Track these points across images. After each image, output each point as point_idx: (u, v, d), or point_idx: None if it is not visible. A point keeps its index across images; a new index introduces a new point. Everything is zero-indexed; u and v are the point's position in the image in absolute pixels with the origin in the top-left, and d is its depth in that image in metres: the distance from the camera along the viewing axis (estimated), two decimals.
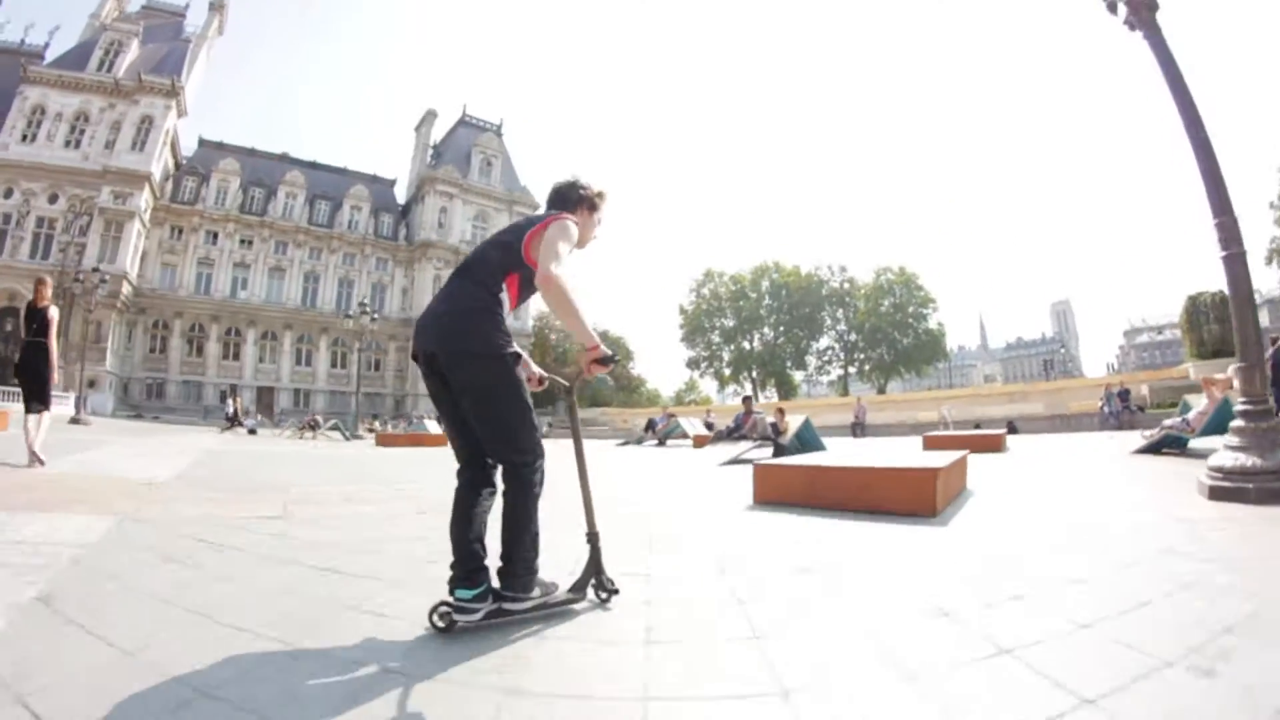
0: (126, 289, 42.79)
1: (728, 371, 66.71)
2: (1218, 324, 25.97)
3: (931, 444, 11.77)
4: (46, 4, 62.74)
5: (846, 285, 66.51)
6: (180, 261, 48.36)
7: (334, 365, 52.27)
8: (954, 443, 10.54)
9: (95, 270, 34.67)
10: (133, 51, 48.11)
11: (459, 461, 2.32)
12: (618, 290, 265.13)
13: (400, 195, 61.09)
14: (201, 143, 54.37)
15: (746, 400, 21.19)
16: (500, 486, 2.27)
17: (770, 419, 14.57)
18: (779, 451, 10.91)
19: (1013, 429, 20.14)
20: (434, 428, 18.72)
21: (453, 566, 2.18)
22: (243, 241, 50.68)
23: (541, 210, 2.67)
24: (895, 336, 63.55)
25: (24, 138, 43.38)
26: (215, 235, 49.85)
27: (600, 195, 2.62)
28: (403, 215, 58.93)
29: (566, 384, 2.73)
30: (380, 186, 59.48)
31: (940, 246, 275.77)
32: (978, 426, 20.93)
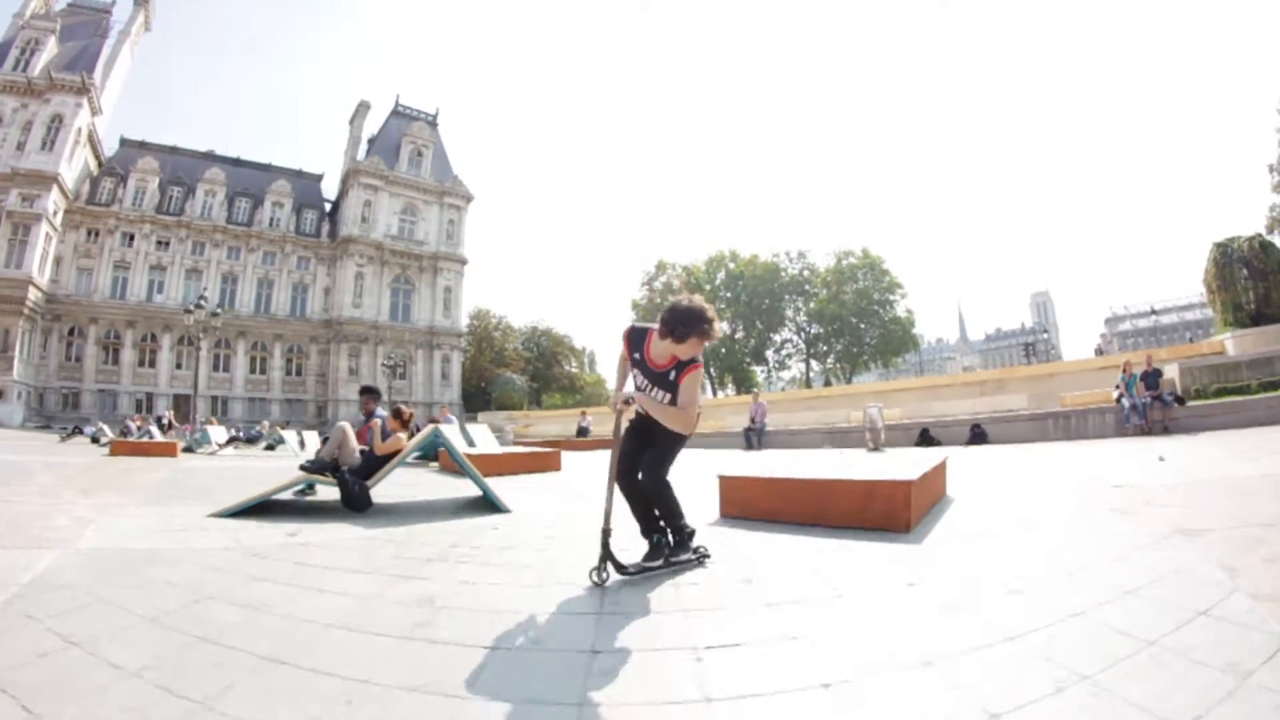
0: (35, 295, 44.80)
1: None
2: (1260, 280, 21.52)
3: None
4: None
5: (806, 273, 66.38)
6: (96, 265, 50.39)
7: (252, 371, 54.65)
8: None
9: None
10: (49, 50, 50.27)
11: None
12: (571, 287, 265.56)
13: (332, 192, 63.14)
14: (123, 142, 56.63)
15: (583, 411, 27.67)
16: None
17: (581, 422, 23.59)
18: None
19: (979, 435, 15.59)
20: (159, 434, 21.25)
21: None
22: (159, 243, 53.05)
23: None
24: (858, 326, 63.01)
25: None
26: (131, 237, 52.19)
27: (712, 325, 3.38)
28: (333, 212, 60.67)
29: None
30: (305, 182, 61.76)
31: (917, 239, 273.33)
32: (926, 437, 16.49)
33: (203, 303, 33.53)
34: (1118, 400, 14.48)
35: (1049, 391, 20.17)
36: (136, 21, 57.66)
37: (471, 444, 12.80)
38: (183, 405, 48.99)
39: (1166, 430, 13.35)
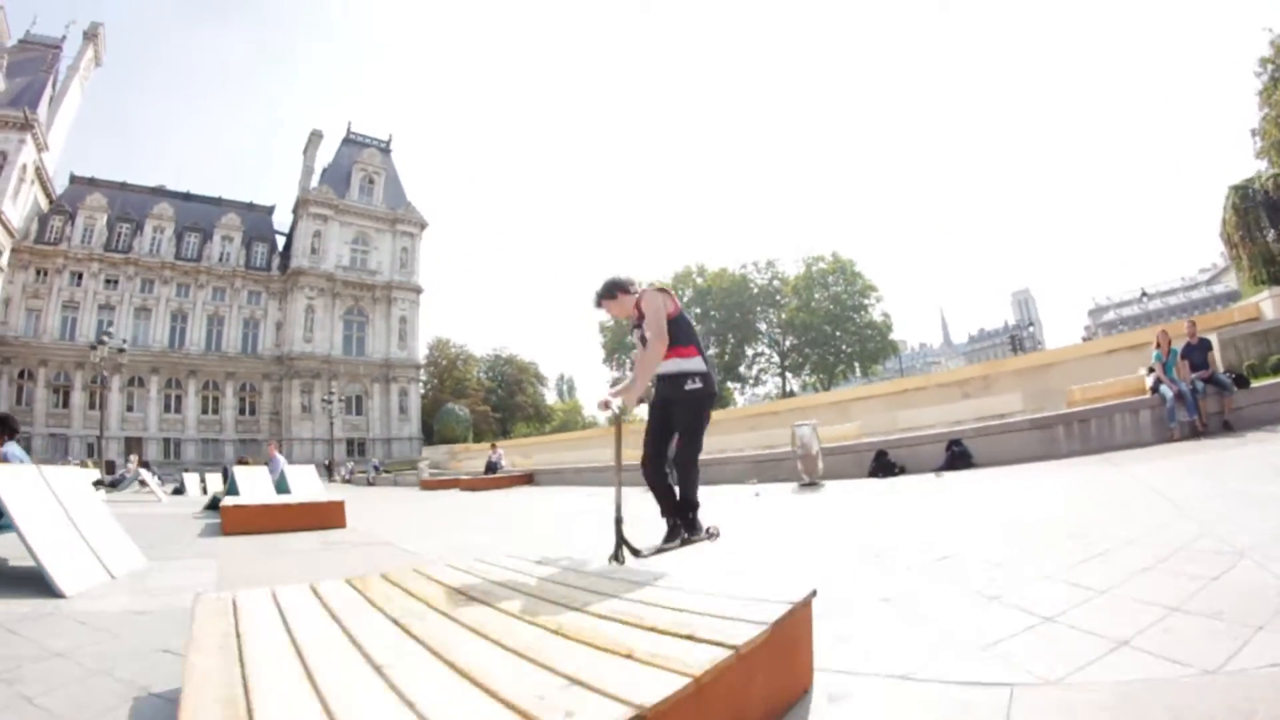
0: None
1: None
2: None
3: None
4: None
5: (776, 282, 65.64)
6: (45, 306, 52.07)
7: (205, 411, 56.25)
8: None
9: None
10: None
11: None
12: (539, 313, 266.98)
13: (286, 225, 64.55)
14: (72, 179, 58.32)
15: (493, 445, 27.60)
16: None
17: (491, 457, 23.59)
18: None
19: (960, 456, 10.73)
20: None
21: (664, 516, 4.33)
22: (108, 281, 54.89)
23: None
24: (833, 334, 61.82)
25: None
26: (80, 276, 54.07)
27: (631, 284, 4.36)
28: (286, 245, 62.72)
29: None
30: (256, 215, 63.74)
31: (894, 245, 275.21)
32: (883, 462, 11.38)
33: (105, 339, 34.91)
34: (1154, 389, 10.08)
35: (1048, 388, 15.67)
36: (86, 56, 59.18)
37: (283, 489, 11.59)
38: (132, 448, 50.57)
39: (1228, 427, 9.33)
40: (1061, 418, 10.61)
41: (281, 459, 15.03)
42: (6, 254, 49.86)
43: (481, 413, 64.47)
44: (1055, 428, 10.51)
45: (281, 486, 11.89)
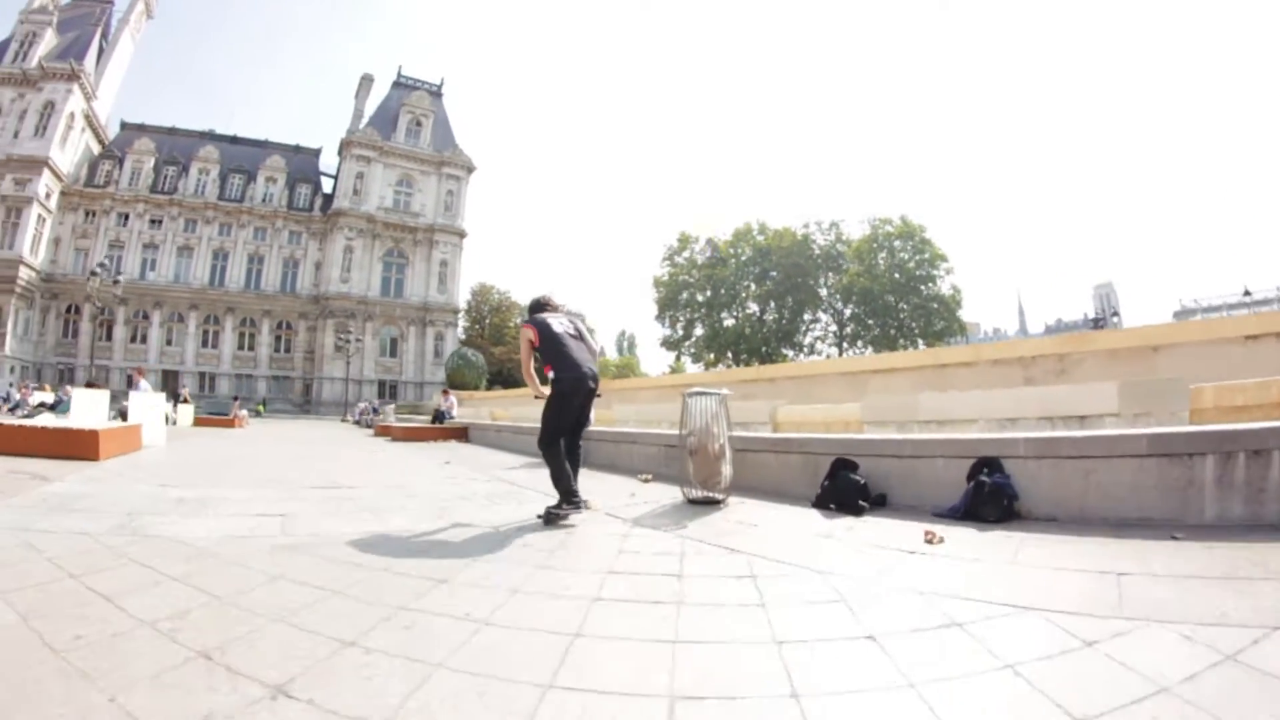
0: (27, 274, 48.56)
1: (709, 354, 63.64)
2: None
3: None
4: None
5: (840, 245, 62.28)
6: (92, 245, 54.66)
7: (240, 347, 58.25)
8: None
9: None
10: (47, 41, 55.52)
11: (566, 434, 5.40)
12: (591, 265, 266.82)
13: (333, 168, 65.90)
14: (123, 126, 61.98)
15: (445, 390, 27.41)
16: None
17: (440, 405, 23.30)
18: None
19: (990, 491, 4.98)
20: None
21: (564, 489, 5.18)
22: (153, 222, 57.57)
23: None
24: (895, 304, 58.21)
25: None
26: (126, 217, 56.87)
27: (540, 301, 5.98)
28: (333, 188, 63.05)
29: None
30: (302, 157, 65.49)
31: (968, 220, 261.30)
32: (840, 482, 5.81)
33: (99, 270, 35.18)
34: None
35: (1157, 383, 8.56)
36: (136, 9, 62.38)
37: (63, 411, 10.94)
38: (169, 381, 52.20)
39: None
40: (1214, 439, 4.65)
41: (144, 385, 17.14)
42: (55, 196, 52.63)
43: (518, 361, 63.60)
44: (1198, 460, 4.62)
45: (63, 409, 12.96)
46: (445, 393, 26.43)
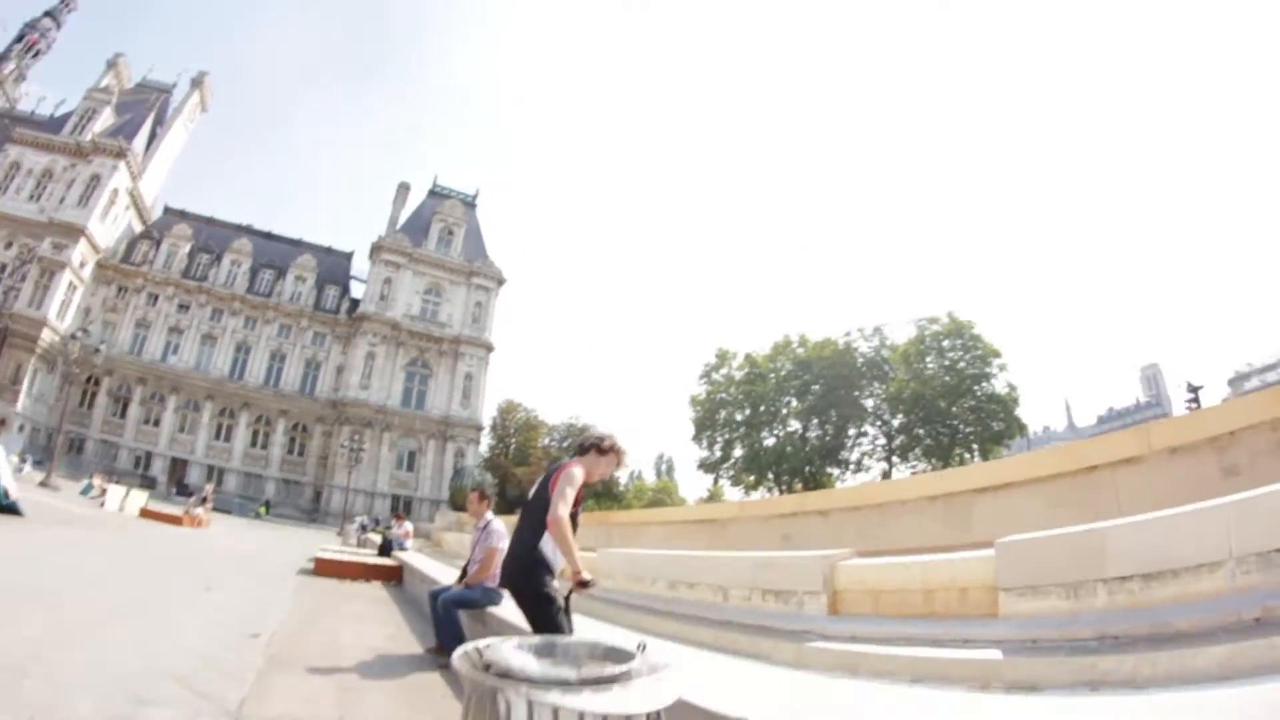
0: (50, 336, 51.00)
1: (749, 476, 61.64)
2: None
3: None
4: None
5: (885, 351, 60.61)
6: (120, 320, 57.76)
7: (253, 444, 59.48)
8: None
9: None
10: (105, 119, 60.46)
11: None
12: (625, 385, 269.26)
13: (364, 272, 67.92)
14: (166, 210, 66.13)
15: (399, 515, 25.45)
16: None
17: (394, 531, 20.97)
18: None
19: None
20: None
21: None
22: (181, 306, 60.46)
23: None
24: (947, 409, 55.53)
25: (1, 190, 55.01)
26: (156, 298, 59.85)
27: (605, 442, 4.39)
28: None
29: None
30: (334, 259, 68.98)
31: (1009, 319, 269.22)
32: None
33: (79, 335, 36.16)
34: None
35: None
36: (191, 100, 68.64)
37: None
38: (177, 469, 53.50)
39: None
40: None
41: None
42: (90, 266, 55.47)
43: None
44: None
45: None
46: (399, 517, 23.98)
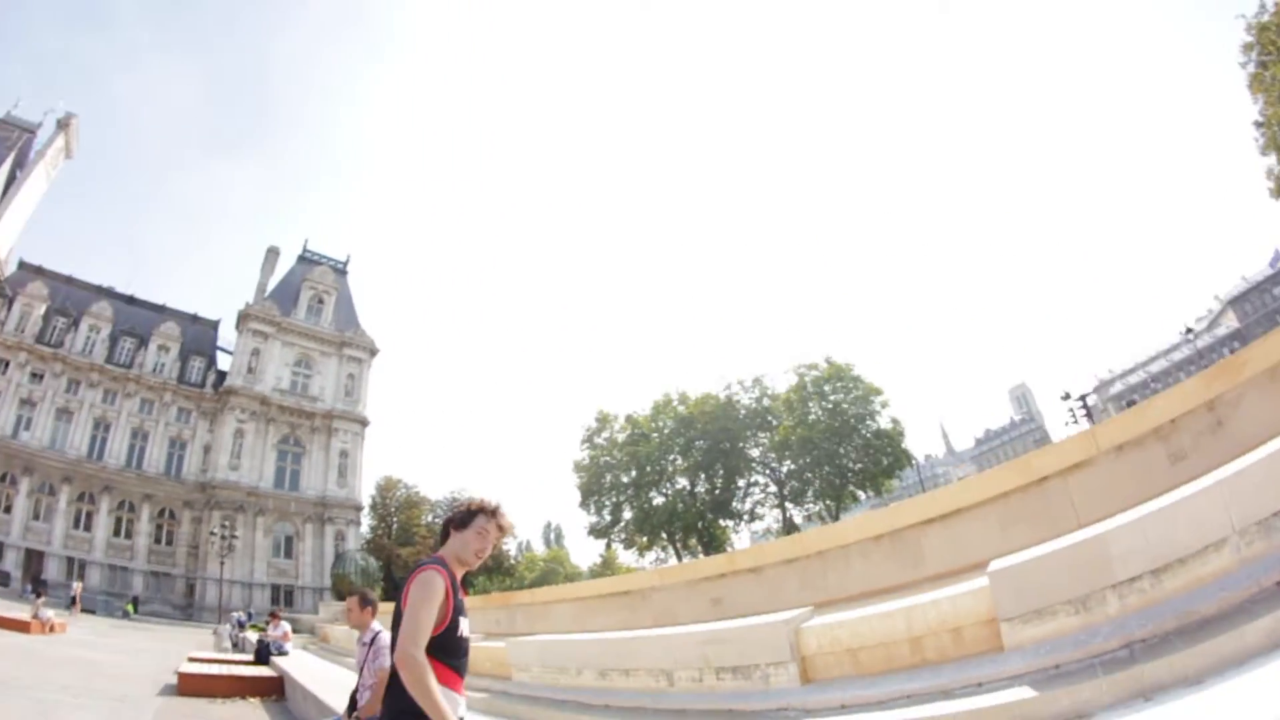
0: None
1: (642, 538, 63.64)
2: None
3: None
4: None
5: (766, 400, 63.70)
6: None
7: (116, 533, 55.89)
8: None
9: None
10: None
11: None
12: (508, 453, 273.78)
13: (231, 341, 66.16)
14: (20, 265, 60.95)
15: (274, 614, 22.39)
16: None
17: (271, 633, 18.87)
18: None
19: None
20: None
21: None
22: (34, 375, 56.69)
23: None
24: (836, 449, 58.12)
25: None
26: (7, 364, 55.49)
27: (462, 509, 3.44)
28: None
29: None
30: (200, 328, 66.99)
31: (887, 353, 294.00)
32: None
33: None
34: None
35: None
36: (55, 144, 63.32)
37: None
38: (33, 563, 50.95)
39: None
40: None
41: None
42: None
43: None
44: None
45: None
46: (275, 616, 21.32)
